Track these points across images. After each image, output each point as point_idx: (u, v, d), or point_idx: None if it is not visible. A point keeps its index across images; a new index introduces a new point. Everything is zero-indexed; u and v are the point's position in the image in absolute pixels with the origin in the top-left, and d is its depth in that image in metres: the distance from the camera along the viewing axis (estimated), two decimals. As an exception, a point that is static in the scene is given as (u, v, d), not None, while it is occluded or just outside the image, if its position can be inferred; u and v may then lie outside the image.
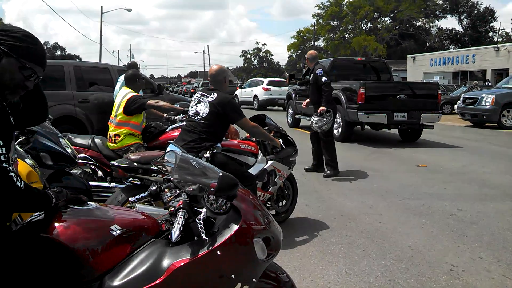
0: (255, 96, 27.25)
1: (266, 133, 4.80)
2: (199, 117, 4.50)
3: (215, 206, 2.18)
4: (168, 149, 2.51)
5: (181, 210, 2.00)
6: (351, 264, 4.26)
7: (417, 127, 12.57)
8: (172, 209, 2.10)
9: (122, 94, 5.56)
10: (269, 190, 4.89)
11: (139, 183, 4.33)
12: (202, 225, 1.97)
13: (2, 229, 1.87)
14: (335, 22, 61.17)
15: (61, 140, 4.55)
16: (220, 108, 4.45)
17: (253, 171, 4.64)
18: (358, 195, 6.76)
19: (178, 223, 1.94)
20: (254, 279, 2.14)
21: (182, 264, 1.93)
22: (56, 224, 1.92)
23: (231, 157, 4.55)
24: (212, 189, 1.99)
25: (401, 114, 11.92)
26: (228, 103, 4.52)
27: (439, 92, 12.77)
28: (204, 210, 2.07)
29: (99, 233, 1.94)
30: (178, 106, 6.25)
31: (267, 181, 4.87)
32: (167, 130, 5.63)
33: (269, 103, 26.48)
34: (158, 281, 1.89)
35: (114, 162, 4.31)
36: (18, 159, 3.34)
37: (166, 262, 1.94)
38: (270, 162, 4.90)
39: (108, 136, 5.49)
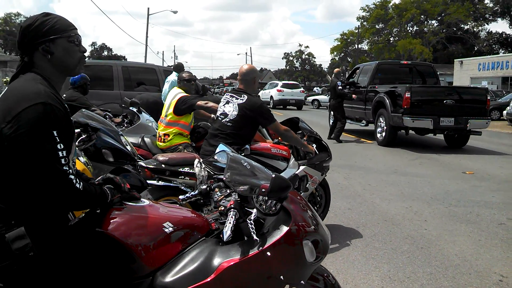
0: (271, 97, 31.38)
1: (298, 138, 4.73)
2: (227, 119, 4.44)
3: (264, 207, 2.20)
4: (219, 149, 2.52)
5: (232, 210, 2.01)
6: (395, 270, 4.20)
7: (464, 133, 12.26)
8: (223, 208, 2.12)
9: (173, 94, 5.66)
10: None
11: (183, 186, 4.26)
12: (253, 226, 1.98)
13: (60, 224, 1.95)
14: (380, 25, 60.29)
15: (121, 138, 4.67)
16: (250, 112, 4.39)
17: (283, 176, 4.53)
18: (402, 201, 6.65)
19: (230, 222, 1.95)
20: (302, 281, 2.14)
21: (232, 263, 1.95)
22: (111, 220, 1.97)
23: (260, 161, 4.50)
24: (263, 190, 2.01)
25: (447, 120, 11.65)
26: (259, 107, 4.45)
27: (488, 98, 12.42)
28: (254, 210, 2.08)
29: (152, 229, 1.99)
30: None
31: (298, 187, 4.71)
32: None
33: (282, 103, 30.71)
34: (208, 279, 1.92)
35: (141, 163, 4.25)
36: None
37: (216, 261, 1.97)
38: (302, 168, 4.77)
39: (157, 135, 5.60)
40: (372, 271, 4.17)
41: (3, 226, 1.76)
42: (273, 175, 2.03)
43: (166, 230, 2.00)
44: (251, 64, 4.90)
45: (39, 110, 1.76)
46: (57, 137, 1.79)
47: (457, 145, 12.69)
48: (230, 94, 4.65)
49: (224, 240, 1.93)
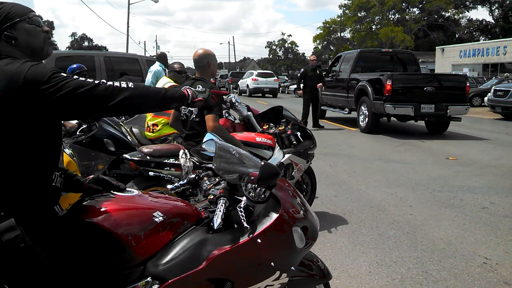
0: (247, 85, 33.64)
1: (234, 140, 4.07)
2: (194, 116, 4.23)
3: (253, 194, 2.19)
4: (206, 138, 2.50)
5: (222, 198, 2.01)
6: (382, 255, 4.25)
7: (444, 119, 12.51)
8: (212, 197, 2.12)
9: (162, 83, 5.63)
10: None
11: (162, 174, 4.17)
12: (243, 213, 1.98)
13: (49, 214, 1.94)
14: (362, 13, 60.45)
15: (122, 128, 4.64)
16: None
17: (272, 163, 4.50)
18: (387, 187, 6.72)
19: (220, 210, 1.95)
20: (293, 267, 2.15)
21: (223, 251, 1.96)
22: (99, 210, 1.97)
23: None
24: (252, 178, 2.00)
25: (428, 106, 11.89)
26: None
27: (468, 84, 12.58)
28: (244, 198, 2.09)
29: (142, 219, 1.98)
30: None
31: (284, 175, 4.71)
32: None
33: (257, 91, 33.01)
34: (200, 267, 1.93)
35: (126, 155, 4.14)
36: None
37: (207, 249, 1.97)
38: (287, 156, 4.75)
39: (146, 125, 5.55)
40: (360, 256, 4.22)
41: None
42: (262, 163, 2.03)
43: (156, 219, 1.99)
44: (202, 47, 4.60)
45: (39, 64, 1.77)
46: None
47: (438, 131, 12.87)
48: (187, 87, 4.40)
49: (215, 228, 1.93)
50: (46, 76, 1.71)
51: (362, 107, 12.97)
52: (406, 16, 58.62)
